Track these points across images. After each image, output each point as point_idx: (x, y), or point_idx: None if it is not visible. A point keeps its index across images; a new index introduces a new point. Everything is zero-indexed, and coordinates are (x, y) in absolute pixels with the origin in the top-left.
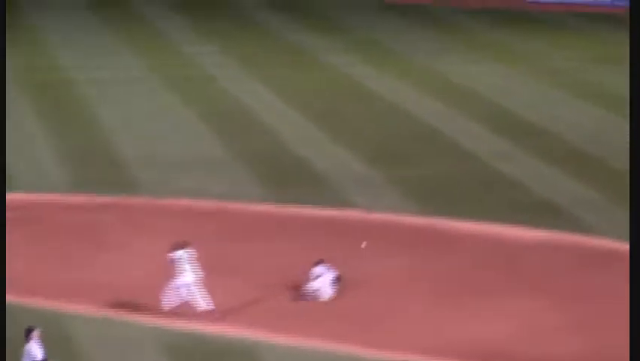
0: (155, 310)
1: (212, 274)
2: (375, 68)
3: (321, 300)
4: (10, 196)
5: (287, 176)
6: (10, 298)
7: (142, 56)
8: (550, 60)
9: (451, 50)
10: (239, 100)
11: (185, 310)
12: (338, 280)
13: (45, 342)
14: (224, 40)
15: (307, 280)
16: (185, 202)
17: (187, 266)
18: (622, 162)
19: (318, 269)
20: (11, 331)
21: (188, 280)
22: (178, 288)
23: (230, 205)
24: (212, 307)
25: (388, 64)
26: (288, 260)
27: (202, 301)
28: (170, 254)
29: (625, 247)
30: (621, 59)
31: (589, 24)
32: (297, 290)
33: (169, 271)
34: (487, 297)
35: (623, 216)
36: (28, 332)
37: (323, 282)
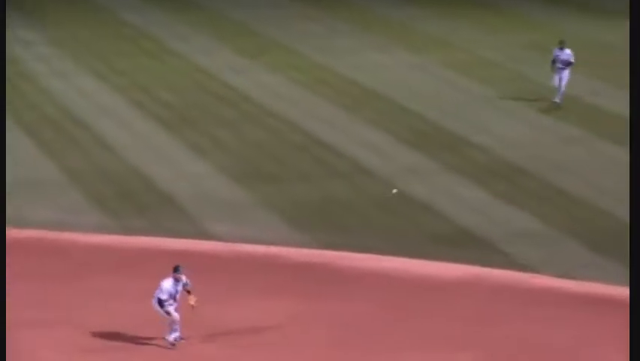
0: None
1: (32, 323)
2: (240, 58)
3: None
4: None
5: (131, 199)
6: None
7: None
8: (473, 48)
9: (341, 34)
10: (69, 103)
11: None
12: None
13: None
14: (48, 24)
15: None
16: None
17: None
18: (568, 181)
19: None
20: None
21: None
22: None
23: (59, 235)
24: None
25: (257, 52)
26: (130, 303)
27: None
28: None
29: (571, 286)
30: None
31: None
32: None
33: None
34: (394, 351)
35: (567, 248)
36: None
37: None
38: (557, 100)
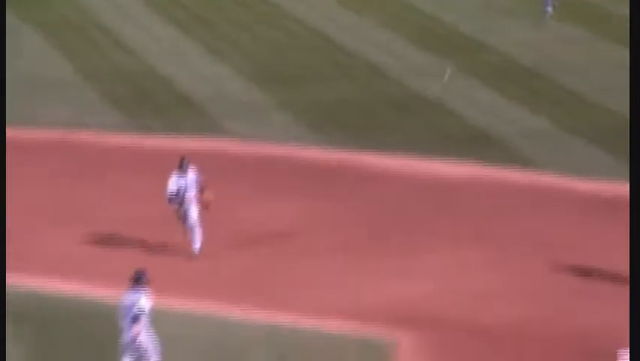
0: None
1: (48, 221)
2: None
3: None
4: None
5: (149, 100)
6: None
7: None
8: None
9: None
10: (88, 6)
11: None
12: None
13: None
14: None
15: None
16: (17, 132)
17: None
18: (576, 83)
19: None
20: None
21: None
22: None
23: (77, 135)
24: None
25: None
26: (146, 202)
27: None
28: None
29: (577, 185)
30: None
31: None
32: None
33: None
34: (406, 248)
35: (575, 148)
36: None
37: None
38: (549, 9)
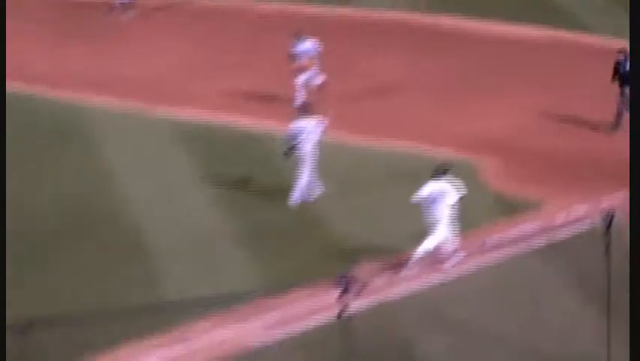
0: (174, 102)
1: (219, 68)
2: None
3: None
4: None
5: None
6: (34, 89)
7: None
8: None
9: None
10: None
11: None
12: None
13: (62, 133)
14: None
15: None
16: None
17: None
18: None
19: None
20: (32, 119)
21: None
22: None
23: (228, 5)
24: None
25: None
26: (281, 62)
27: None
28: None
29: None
30: None
31: None
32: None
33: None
34: (491, 94)
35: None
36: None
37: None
38: None
